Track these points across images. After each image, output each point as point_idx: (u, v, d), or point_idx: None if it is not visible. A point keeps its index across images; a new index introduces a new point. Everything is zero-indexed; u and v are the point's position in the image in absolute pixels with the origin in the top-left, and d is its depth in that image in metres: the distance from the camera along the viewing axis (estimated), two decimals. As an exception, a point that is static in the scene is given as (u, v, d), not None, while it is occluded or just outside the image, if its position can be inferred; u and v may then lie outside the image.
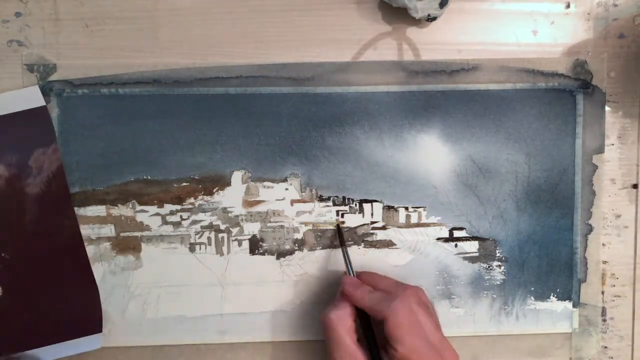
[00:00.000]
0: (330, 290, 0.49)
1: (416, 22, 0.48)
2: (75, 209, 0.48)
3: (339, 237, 0.48)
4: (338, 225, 0.48)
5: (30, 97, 0.46)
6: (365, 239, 0.49)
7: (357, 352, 0.41)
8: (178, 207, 0.48)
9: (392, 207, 0.49)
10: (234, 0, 0.48)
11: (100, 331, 0.48)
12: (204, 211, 0.48)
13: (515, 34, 0.49)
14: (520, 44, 0.49)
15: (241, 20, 0.48)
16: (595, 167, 0.50)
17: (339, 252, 0.49)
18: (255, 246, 0.49)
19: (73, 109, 0.47)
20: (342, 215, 0.49)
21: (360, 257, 0.49)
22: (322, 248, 0.49)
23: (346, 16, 0.48)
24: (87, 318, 0.47)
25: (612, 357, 0.51)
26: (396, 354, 0.39)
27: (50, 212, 0.47)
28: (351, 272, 0.46)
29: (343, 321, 0.42)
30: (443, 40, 0.49)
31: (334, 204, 0.49)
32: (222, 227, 0.49)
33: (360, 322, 0.43)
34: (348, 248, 0.48)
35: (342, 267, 0.49)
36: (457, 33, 0.49)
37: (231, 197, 0.48)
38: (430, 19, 0.46)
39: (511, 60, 0.49)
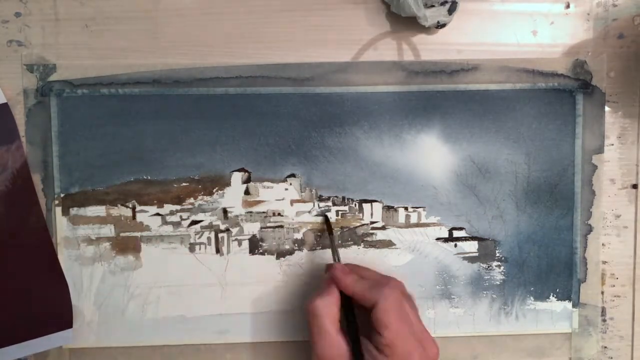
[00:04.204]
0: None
1: (416, 24, 0.47)
2: (75, 209, 0.48)
3: (327, 227, 0.48)
4: (325, 215, 0.48)
5: None
6: (365, 239, 0.49)
7: (340, 343, 0.41)
8: (178, 207, 0.48)
9: (392, 207, 0.49)
10: (234, 0, 0.48)
11: (71, 327, 0.48)
12: (203, 211, 0.48)
13: (515, 34, 0.49)
14: (520, 44, 0.49)
15: (241, 20, 0.48)
16: (595, 167, 0.50)
17: (339, 251, 0.49)
18: (255, 246, 0.49)
19: (73, 109, 0.47)
20: (343, 216, 0.49)
21: (360, 257, 0.49)
22: (322, 248, 0.49)
23: (346, 16, 0.48)
24: (57, 315, 0.47)
25: (611, 358, 0.51)
26: (382, 339, 0.39)
27: (17, 209, 0.47)
28: (338, 260, 0.46)
29: (329, 309, 0.41)
30: (443, 41, 0.49)
31: (334, 204, 0.49)
32: (222, 227, 0.49)
33: (344, 311, 0.43)
34: (342, 248, 0.48)
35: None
36: (457, 33, 0.49)
37: (231, 197, 0.48)
38: (440, 26, 0.46)
39: (511, 60, 0.49)
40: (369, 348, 0.40)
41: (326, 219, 0.48)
